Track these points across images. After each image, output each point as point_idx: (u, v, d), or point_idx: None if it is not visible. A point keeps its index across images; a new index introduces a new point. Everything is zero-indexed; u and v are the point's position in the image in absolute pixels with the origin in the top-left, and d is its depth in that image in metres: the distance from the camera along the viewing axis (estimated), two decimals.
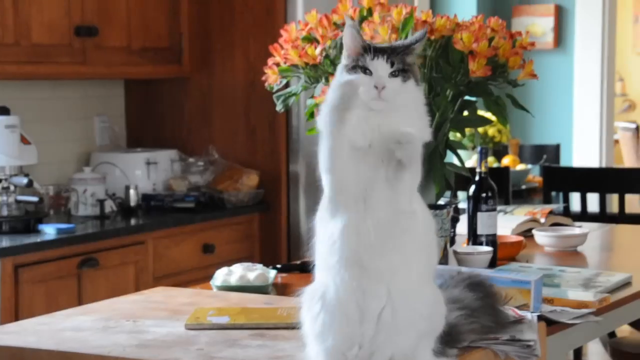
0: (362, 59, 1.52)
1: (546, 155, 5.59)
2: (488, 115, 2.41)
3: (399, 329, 1.53)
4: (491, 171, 4.26)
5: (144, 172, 4.08)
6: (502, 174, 4.33)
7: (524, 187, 4.88)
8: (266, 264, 2.56)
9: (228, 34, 4.20)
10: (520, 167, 4.98)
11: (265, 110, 4.09)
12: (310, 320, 1.58)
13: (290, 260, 4.04)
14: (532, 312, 1.94)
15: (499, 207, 3.16)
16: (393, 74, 1.51)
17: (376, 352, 1.54)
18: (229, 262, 2.65)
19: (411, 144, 1.48)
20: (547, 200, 4.28)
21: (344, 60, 1.56)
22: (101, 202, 3.76)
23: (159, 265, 3.72)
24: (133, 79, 4.31)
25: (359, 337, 1.54)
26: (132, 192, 3.91)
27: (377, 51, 1.52)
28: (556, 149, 5.75)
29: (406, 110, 1.52)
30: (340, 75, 1.54)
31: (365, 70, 1.51)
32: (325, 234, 1.55)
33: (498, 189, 2.80)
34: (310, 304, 1.59)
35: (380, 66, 1.51)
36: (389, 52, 1.52)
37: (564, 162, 5.91)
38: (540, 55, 6.01)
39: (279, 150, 4.15)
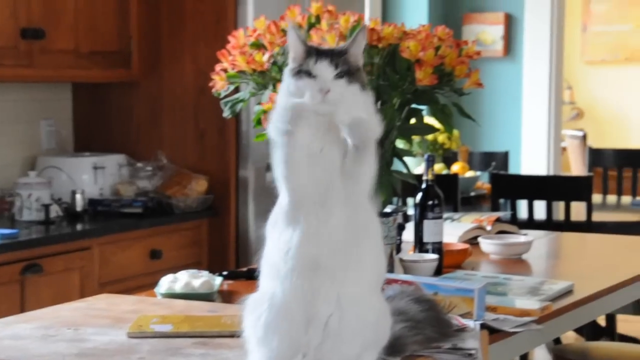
0: (306, 63, 1.51)
1: (495, 162, 5.63)
2: (435, 123, 2.42)
3: (345, 338, 1.53)
4: (440, 178, 4.30)
5: (91, 177, 4.04)
6: (451, 180, 4.36)
7: (473, 194, 4.91)
8: (214, 270, 2.55)
9: (178, 39, 4.18)
10: (470, 174, 5.01)
11: (214, 116, 4.07)
12: (254, 325, 1.57)
13: (239, 267, 4.03)
14: (475, 321, 1.95)
15: (446, 214, 3.19)
16: (337, 76, 1.51)
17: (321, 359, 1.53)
18: (177, 268, 2.63)
19: (362, 126, 1.48)
20: (495, 207, 4.31)
21: (290, 64, 1.56)
22: (46, 207, 3.71)
23: (105, 272, 3.69)
24: (81, 82, 4.27)
25: (303, 345, 1.53)
26: (78, 196, 3.87)
27: (320, 54, 1.52)
28: (505, 156, 5.80)
29: (353, 109, 1.51)
30: (287, 79, 1.54)
31: (310, 74, 1.50)
32: (280, 241, 1.54)
33: (447, 195, 2.83)
34: (255, 309, 1.58)
35: (324, 69, 1.50)
36: (332, 55, 1.52)
37: (512, 170, 5.97)
38: (490, 63, 6.07)
39: (228, 155, 4.14)
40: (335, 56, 1.51)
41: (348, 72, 1.51)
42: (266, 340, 1.55)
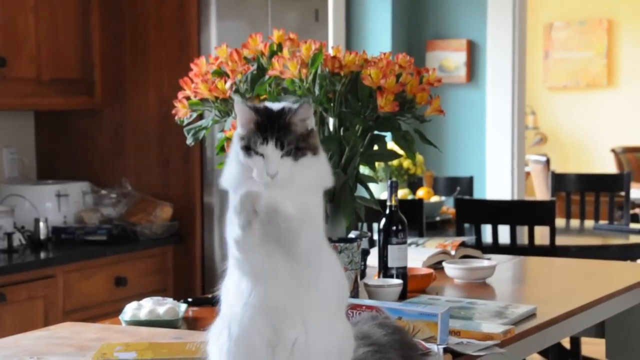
0: (254, 139, 1.54)
1: (460, 187, 5.67)
2: (398, 149, 2.44)
3: (312, 359, 1.54)
4: (405, 203, 4.32)
5: (54, 205, 4.02)
6: (416, 206, 4.38)
7: (438, 218, 4.94)
8: (180, 297, 2.54)
9: (141, 67, 4.18)
10: (435, 199, 5.04)
11: (178, 143, 4.06)
12: (217, 352, 1.58)
13: (205, 293, 4.01)
14: (438, 345, 1.96)
15: (411, 240, 3.20)
16: (284, 155, 1.54)
17: None
18: (142, 296, 2.62)
19: (278, 218, 1.51)
20: (460, 232, 4.34)
21: (238, 131, 1.58)
22: (9, 235, 3.68)
23: (70, 300, 3.66)
24: (43, 110, 4.25)
25: None
26: (41, 225, 3.84)
27: (267, 131, 1.54)
28: (470, 181, 5.84)
29: (297, 187, 1.54)
30: (236, 145, 1.56)
31: (257, 153, 1.53)
32: (234, 281, 1.58)
33: (412, 220, 2.85)
34: (217, 336, 1.59)
35: (271, 151, 1.53)
36: (279, 133, 1.54)
37: (477, 194, 6.01)
38: (453, 89, 6.12)
39: (193, 182, 4.13)
40: (281, 135, 1.54)
41: (295, 149, 1.54)
42: None
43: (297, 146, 1.54)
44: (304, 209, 1.54)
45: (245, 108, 1.56)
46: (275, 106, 1.58)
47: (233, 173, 1.57)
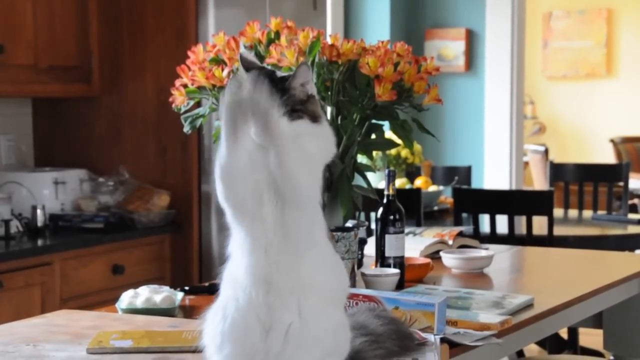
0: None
1: (458, 177, 5.66)
2: (395, 138, 2.43)
3: (305, 345, 1.54)
4: (403, 192, 4.32)
5: (51, 192, 4.01)
6: (414, 195, 4.38)
7: (436, 208, 4.93)
8: (177, 285, 2.54)
9: (139, 54, 4.17)
10: (433, 188, 5.04)
11: (176, 130, 4.06)
12: (211, 334, 1.59)
13: (202, 281, 4.01)
14: (435, 335, 1.95)
15: (408, 229, 3.20)
16: (281, 114, 1.53)
17: None
18: (139, 284, 2.62)
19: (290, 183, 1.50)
20: (458, 221, 4.33)
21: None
22: (6, 223, 3.68)
23: (67, 287, 3.66)
24: (41, 97, 4.24)
25: (261, 352, 1.54)
26: (39, 212, 3.84)
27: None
28: (468, 170, 5.84)
29: (287, 146, 1.51)
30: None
31: None
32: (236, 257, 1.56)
33: (410, 210, 2.84)
34: (212, 318, 1.59)
35: None
36: (276, 94, 1.53)
37: (475, 184, 6.00)
38: (451, 78, 6.11)
39: (190, 170, 4.13)
40: (278, 96, 1.53)
41: (292, 110, 1.54)
42: (222, 348, 1.57)
43: (293, 108, 1.54)
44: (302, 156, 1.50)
45: (252, 59, 1.57)
46: (279, 74, 1.60)
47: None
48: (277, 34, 2.34)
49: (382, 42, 2.31)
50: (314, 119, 1.56)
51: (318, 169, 1.57)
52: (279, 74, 1.60)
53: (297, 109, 1.54)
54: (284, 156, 1.50)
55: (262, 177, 1.51)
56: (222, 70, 2.27)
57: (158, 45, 4.13)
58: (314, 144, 1.55)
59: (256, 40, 2.35)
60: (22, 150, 4.24)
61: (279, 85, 1.56)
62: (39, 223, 3.83)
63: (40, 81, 3.93)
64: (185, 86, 2.36)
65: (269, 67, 1.60)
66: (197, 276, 4.13)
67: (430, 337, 1.93)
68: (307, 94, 1.57)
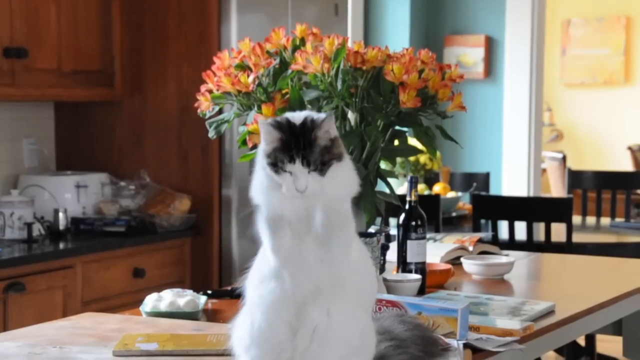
0: (281, 157, 1.57)
1: (476, 183, 5.67)
2: (418, 144, 2.45)
3: (331, 343, 1.57)
4: (422, 198, 4.32)
5: (73, 196, 4.04)
6: (432, 201, 4.39)
7: (454, 214, 4.94)
8: (197, 289, 2.56)
9: (161, 59, 4.19)
10: (451, 194, 5.05)
11: (198, 135, 4.09)
12: (239, 335, 1.63)
13: (222, 286, 4.03)
14: (458, 340, 1.97)
15: (429, 235, 3.21)
16: (311, 171, 1.57)
17: None
18: (160, 287, 2.64)
19: (329, 216, 1.56)
20: (477, 228, 4.34)
21: (263, 145, 1.60)
22: (29, 226, 3.71)
23: (88, 290, 3.68)
24: (63, 101, 4.27)
25: (287, 351, 1.58)
26: (61, 215, 3.87)
27: (292, 149, 1.56)
28: (486, 177, 5.84)
29: (326, 196, 1.58)
30: (262, 161, 1.59)
31: (285, 170, 1.57)
32: (261, 269, 1.61)
33: (429, 216, 2.85)
34: (242, 320, 1.63)
35: (298, 169, 1.56)
36: (304, 150, 1.57)
37: (493, 190, 6.00)
38: (470, 85, 6.12)
39: (211, 175, 4.15)
40: (307, 152, 1.57)
41: (322, 163, 1.57)
42: (249, 349, 1.61)
43: (322, 161, 1.57)
44: (335, 216, 1.58)
45: (270, 128, 1.58)
46: (297, 119, 1.60)
47: (262, 186, 1.60)
48: (303, 41, 2.35)
49: (407, 49, 2.32)
50: (339, 158, 1.60)
51: (349, 207, 1.62)
52: (295, 119, 1.60)
53: (326, 160, 1.58)
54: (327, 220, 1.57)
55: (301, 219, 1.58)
56: (248, 76, 2.29)
57: (180, 50, 4.15)
58: (341, 182, 1.60)
59: (281, 47, 2.36)
60: (45, 154, 4.27)
61: (305, 136, 1.57)
62: (61, 226, 3.86)
63: (63, 85, 3.97)
64: (210, 92, 2.38)
65: (282, 119, 1.61)
66: (217, 280, 4.15)
67: (453, 343, 1.94)
68: (331, 138, 1.59)
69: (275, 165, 1.57)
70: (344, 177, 1.61)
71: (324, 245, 1.58)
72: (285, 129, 1.58)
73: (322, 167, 1.57)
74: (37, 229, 3.78)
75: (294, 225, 1.57)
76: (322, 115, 1.60)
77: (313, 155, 1.57)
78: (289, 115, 1.62)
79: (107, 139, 4.32)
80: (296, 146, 1.57)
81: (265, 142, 1.59)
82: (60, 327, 2.17)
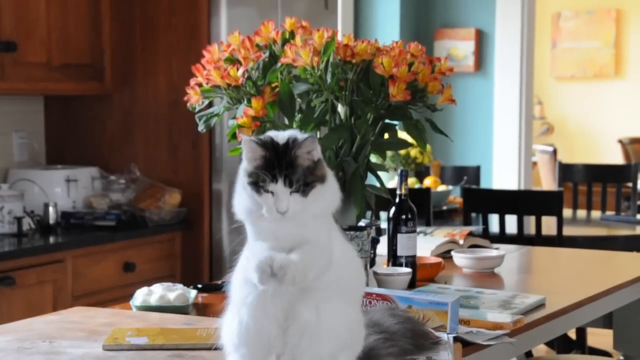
0: (263, 177, 1.55)
1: (467, 176, 5.67)
2: (408, 138, 2.45)
3: (321, 338, 1.57)
4: (413, 192, 4.32)
5: (63, 190, 4.03)
6: (423, 195, 4.39)
7: (445, 208, 4.94)
8: (188, 283, 2.55)
9: (151, 53, 4.18)
10: (442, 188, 5.05)
11: (188, 129, 4.08)
12: (228, 334, 1.62)
13: (213, 279, 4.03)
14: (448, 334, 1.97)
15: (419, 228, 3.21)
16: (293, 192, 1.55)
17: (296, 358, 1.58)
18: (150, 281, 2.63)
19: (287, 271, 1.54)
20: (467, 221, 4.34)
21: (245, 164, 1.59)
22: (19, 220, 3.70)
23: (78, 284, 3.68)
24: (53, 95, 4.26)
25: (277, 346, 1.58)
26: (51, 209, 3.86)
27: (275, 169, 1.55)
28: (477, 170, 5.85)
29: (306, 216, 1.57)
30: (243, 179, 1.58)
31: (267, 190, 1.55)
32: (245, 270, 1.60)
33: (419, 209, 2.85)
34: (228, 318, 1.62)
35: (280, 189, 1.54)
36: (287, 170, 1.55)
37: (484, 184, 6.01)
38: (461, 78, 6.12)
39: (201, 168, 4.14)
40: (289, 172, 1.55)
41: (304, 185, 1.56)
42: (238, 347, 1.60)
43: (305, 182, 1.56)
44: (312, 250, 1.56)
45: (253, 145, 1.56)
46: (281, 138, 1.58)
47: (244, 206, 1.59)
48: (292, 34, 2.35)
49: (397, 42, 2.32)
50: (322, 180, 1.59)
51: (329, 219, 1.62)
52: (279, 139, 1.58)
53: (309, 181, 1.56)
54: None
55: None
56: (237, 69, 2.29)
57: (170, 44, 4.14)
58: (323, 203, 1.59)
59: (271, 40, 2.36)
60: (35, 148, 4.26)
61: (288, 155, 1.56)
62: (51, 220, 3.85)
63: (53, 79, 3.95)
64: (199, 85, 2.37)
65: (266, 137, 1.59)
66: (207, 274, 4.15)
67: (444, 336, 1.94)
68: (314, 160, 1.58)
69: (257, 184, 1.55)
70: (325, 198, 1.59)
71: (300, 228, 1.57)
72: (269, 147, 1.56)
73: (304, 188, 1.55)
74: (27, 223, 3.77)
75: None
76: (306, 135, 1.59)
77: (296, 175, 1.55)
78: (273, 134, 1.60)
79: (97, 133, 4.31)
80: (279, 165, 1.55)
81: (248, 160, 1.57)
82: (50, 322, 2.17)
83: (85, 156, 4.31)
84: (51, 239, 3.72)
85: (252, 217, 1.57)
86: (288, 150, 1.56)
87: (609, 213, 5.26)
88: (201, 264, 4.15)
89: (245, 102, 2.31)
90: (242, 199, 1.59)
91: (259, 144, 1.56)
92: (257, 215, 1.56)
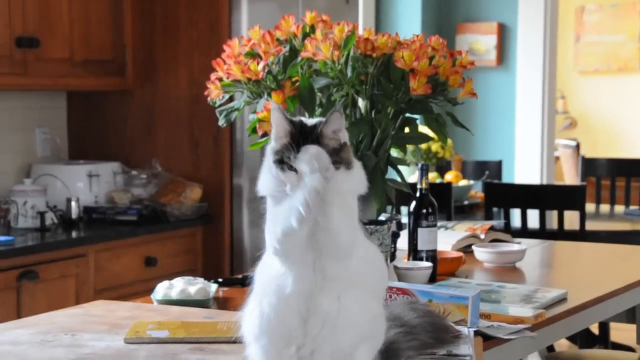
0: (287, 154, 1.55)
1: (488, 171, 5.65)
2: (429, 132, 2.44)
3: (342, 329, 1.57)
4: (434, 187, 4.31)
5: (85, 185, 4.05)
6: (444, 189, 4.38)
7: (466, 202, 4.93)
8: (208, 278, 2.56)
9: (172, 48, 4.19)
10: (463, 182, 5.03)
11: (209, 124, 4.09)
12: (249, 325, 1.62)
13: (234, 274, 4.04)
14: (469, 328, 1.96)
15: (440, 223, 3.20)
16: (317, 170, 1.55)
17: (317, 349, 1.57)
18: (172, 276, 2.65)
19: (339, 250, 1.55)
20: (489, 216, 4.33)
21: (272, 142, 1.59)
22: (42, 214, 3.72)
23: (100, 279, 3.70)
24: (75, 90, 4.28)
25: (298, 337, 1.57)
26: (73, 204, 3.88)
27: (300, 146, 1.54)
28: (498, 165, 5.82)
29: (333, 201, 1.55)
30: (270, 158, 1.58)
31: (291, 167, 1.55)
32: (270, 263, 1.60)
33: (440, 204, 2.84)
34: (250, 309, 1.62)
35: (304, 165, 1.54)
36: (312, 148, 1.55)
37: (505, 178, 5.99)
38: (483, 72, 6.10)
39: (222, 163, 4.15)
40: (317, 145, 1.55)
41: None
42: (259, 338, 1.60)
43: (330, 161, 1.55)
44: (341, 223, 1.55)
45: (282, 116, 1.57)
46: (310, 121, 1.59)
47: (268, 184, 1.58)
48: (312, 28, 2.35)
49: (417, 35, 2.31)
50: (348, 165, 1.58)
51: (355, 210, 1.60)
52: (309, 122, 1.59)
53: (334, 160, 1.55)
54: (331, 216, 1.53)
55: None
56: (258, 63, 2.29)
57: (191, 39, 4.15)
58: (350, 190, 1.58)
59: (291, 34, 2.36)
60: (57, 143, 4.28)
61: (312, 133, 1.56)
62: (74, 215, 3.88)
63: (75, 75, 3.97)
64: (220, 80, 2.37)
65: (298, 119, 1.59)
66: (228, 268, 4.16)
67: (464, 330, 1.94)
68: (340, 143, 1.58)
69: (282, 162, 1.55)
70: (350, 183, 1.58)
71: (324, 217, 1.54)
72: (297, 124, 1.57)
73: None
74: (50, 218, 3.79)
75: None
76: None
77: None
78: (303, 118, 1.62)
79: (118, 128, 4.33)
80: (304, 142, 1.55)
81: (275, 137, 1.58)
82: (72, 315, 2.18)
83: (107, 151, 4.33)
84: (74, 234, 3.74)
85: (276, 198, 1.56)
86: (315, 129, 1.57)
87: (633, 207, 5.23)
88: (222, 258, 4.16)
89: (266, 96, 2.31)
90: (266, 179, 1.58)
91: (287, 118, 1.57)
92: (281, 195, 1.55)
